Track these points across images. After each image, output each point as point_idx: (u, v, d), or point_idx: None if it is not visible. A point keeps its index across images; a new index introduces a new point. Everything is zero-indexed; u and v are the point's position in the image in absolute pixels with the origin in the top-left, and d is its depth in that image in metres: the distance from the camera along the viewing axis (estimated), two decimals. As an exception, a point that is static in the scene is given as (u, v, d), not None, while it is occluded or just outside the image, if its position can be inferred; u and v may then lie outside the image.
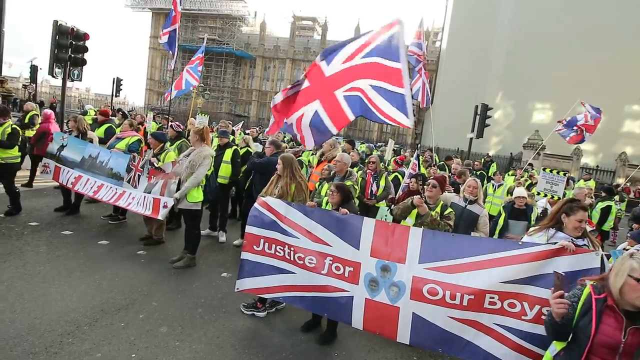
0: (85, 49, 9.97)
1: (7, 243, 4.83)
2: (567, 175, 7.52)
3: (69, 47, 9.49)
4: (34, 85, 22.71)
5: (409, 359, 3.56)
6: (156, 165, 5.27)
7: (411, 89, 7.50)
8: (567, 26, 31.78)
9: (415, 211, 3.89)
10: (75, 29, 9.58)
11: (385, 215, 6.04)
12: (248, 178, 5.96)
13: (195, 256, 5.00)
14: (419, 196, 3.85)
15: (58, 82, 10.39)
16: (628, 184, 13.19)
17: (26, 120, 8.03)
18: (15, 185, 6.04)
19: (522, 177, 9.83)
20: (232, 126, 10.85)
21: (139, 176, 5.44)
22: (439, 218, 3.81)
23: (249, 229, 3.73)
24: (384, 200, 6.07)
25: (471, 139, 15.29)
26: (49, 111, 7.81)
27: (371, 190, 6.00)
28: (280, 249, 3.59)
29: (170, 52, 9.80)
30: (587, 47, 31.17)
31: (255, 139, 8.33)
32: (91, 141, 6.40)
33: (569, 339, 1.96)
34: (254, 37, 57.40)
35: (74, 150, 6.16)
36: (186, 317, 3.72)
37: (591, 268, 2.62)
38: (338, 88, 3.39)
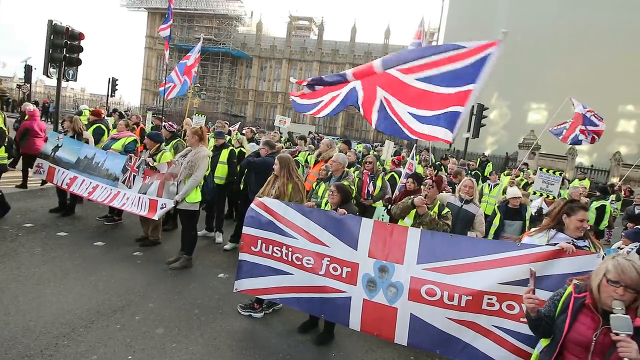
0: (81, 49, 9.90)
1: (2, 245, 4.79)
2: (562, 175, 7.57)
3: (63, 47, 9.42)
4: (29, 85, 22.51)
5: (407, 358, 3.56)
6: (152, 165, 5.25)
7: None
8: (562, 28, 31.98)
9: (414, 211, 3.91)
10: (70, 29, 9.51)
11: (382, 215, 6.05)
12: (242, 177, 5.96)
13: (191, 257, 4.98)
14: (420, 196, 3.86)
15: (53, 82, 10.31)
16: (619, 183, 13.29)
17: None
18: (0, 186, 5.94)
19: (517, 176, 9.87)
20: (229, 126, 10.83)
21: (134, 176, 5.41)
22: (437, 218, 3.83)
23: (246, 229, 3.72)
24: (380, 201, 6.08)
25: (467, 138, 15.36)
26: (32, 107, 7.79)
27: (368, 191, 6.00)
28: (277, 249, 3.58)
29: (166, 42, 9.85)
30: (582, 48, 31.38)
31: (250, 140, 8.31)
32: (87, 142, 6.37)
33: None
34: (250, 37, 57.31)
35: (69, 150, 6.12)
36: (183, 319, 3.70)
37: (591, 270, 2.62)
38: (382, 88, 3.54)
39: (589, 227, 3.15)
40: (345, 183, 4.20)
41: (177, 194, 4.79)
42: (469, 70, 3.13)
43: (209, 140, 6.13)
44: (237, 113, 55.12)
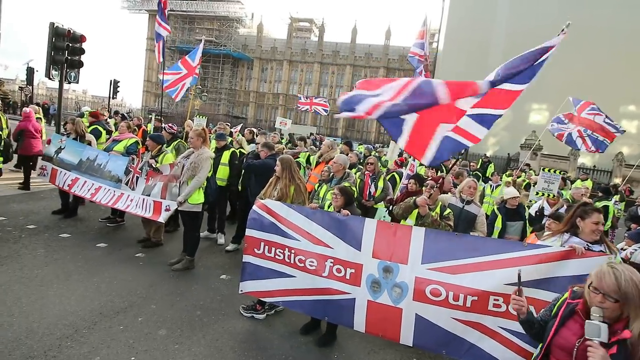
0: (82, 51, 9.95)
1: (5, 246, 4.80)
2: (562, 174, 7.54)
3: (65, 49, 9.47)
4: (31, 88, 22.60)
5: (409, 359, 3.56)
6: (154, 166, 5.26)
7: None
8: (562, 27, 31.97)
9: (416, 212, 3.91)
10: (72, 31, 9.56)
11: (384, 217, 6.05)
12: (239, 179, 5.97)
13: (194, 258, 4.99)
14: (423, 196, 3.85)
15: (55, 84, 10.38)
16: (623, 184, 13.25)
17: None
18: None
19: (518, 177, 9.87)
20: (230, 128, 10.84)
21: (137, 178, 5.43)
22: (439, 219, 3.83)
23: (249, 232, 3.72)
24: (382, 202, 6.08)
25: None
26: (27, 109, 7.87)
27: (369, 192, 6.01)
28: (280, 252, 3.57)
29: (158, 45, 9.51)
30: (582, 48, 31.31)
31: (250, 141, 8.32)
32: (89, 143, 6.40)
33: None
34: (251, 39, 57.42)
35: (71, 152, 6.14)
36: (185, 320, 3.71)
37: None
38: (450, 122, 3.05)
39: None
40: (346, 184, 4.21)
41: (179, 195, 4.81)
42: (530, 70, 2.99)
43: (210, 141, 6.14)
44: (239, 114, 55.20)
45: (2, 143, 6.03)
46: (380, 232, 3.19)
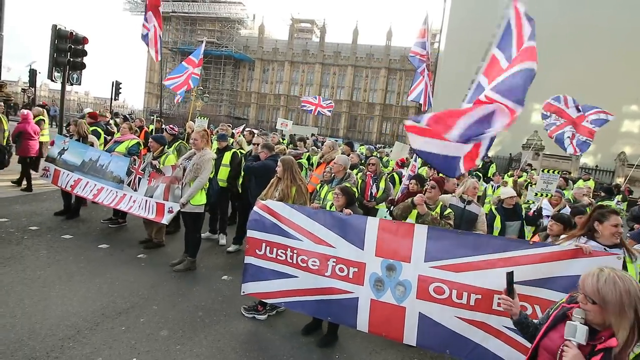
0: (85, 53, 9.99)
1: (7, 248, 4.83)
2: (560, 173, 7.51)
3: (68, 51, 9.51)
4: (33, 89, 22.69)
5: (411, 359, 3.56)
6: (158, 167, 5.28)
7: (411, 92, 7.50)
8: (564, 28, 31.87)
9: (415, 211, 3.91)
10: (74, 33, 9.61)
11: (385, 217, 6.05)
12: (235, 179, 6.00)
13: (195, 259, 5.00)
14: (420, 195, 3.86)
15: (57, 85, 10.42)
16: (625, 184, 13.19)
17: None
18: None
19: (519, 177, 9.86)
20: (232, 129, 10.86)
21: (139, 179, 5.44)
22: (439, 218, 3.83)
23: (250, 233, 3.72)
24: (383, 202, 6.07)
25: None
26: (26, 111, 7.96)
27: (371, 192, 6.01)
28: (282, 252, 3.58)
29: (147, 45, 9.08)
30: (584, 48, 31.27)
31: (250, 142, 8.33)
32: (92, 145, 6.42)
33: None
34: (252, 40, 57.49)
35: (74, 153, 6.17)
36: (187, 321, 3.71)
37: None
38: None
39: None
40: (347, 185, 4.21)
41: (182, 197, 4.82)
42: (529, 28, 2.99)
43: (212, 143, 6.16)
44: (240, 115, 55.27)
45: None
46: (383, 230, 3.18)
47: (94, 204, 6.50)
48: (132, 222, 6.28)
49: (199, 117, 11.56)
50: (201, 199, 4.88)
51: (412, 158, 6.36)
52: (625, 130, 33.35)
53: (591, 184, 12.50)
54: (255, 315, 3.91)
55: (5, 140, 7.24)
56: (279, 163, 4.00)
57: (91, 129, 7.35)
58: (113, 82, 24.35)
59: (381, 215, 6.19)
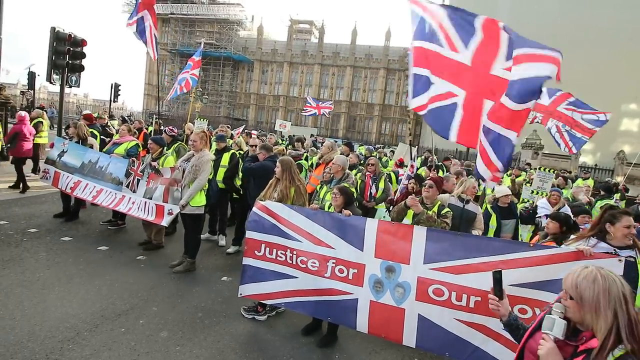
0: (83, 55, 10.01)
1: (6, 250, 4.82)
2: (555, 172, 7.52)
3: (66, 54, 9.54)
4: (32, 92, 22.67)
5: (411, 359, 3.56)
6: (157, 168, 5.28)
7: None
8: (563, 27, 31.96)
9: (411, 212, 3.92)
10: (72, 36, 9.63)
11: (383, 217, 6.05)
12: (232, 179, 6.01)
13: (195, 260, 5.00)
14: (412, 196, 3.87)
15: (56, 88, 10.43)
16: (623, 183, 13.19)
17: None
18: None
19: (517, 176, 9.90)
20: (231, 130, 10.86)
21: (138, 180, 5.45)
22: (435, 217, 3.83)
23: (249, 234, 3.72)
24: (382, 203, 6.08)
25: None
26: (23, 113, 8.02)
27: (370, 193, 6.01)
28: (281, 253, 3.57)
29: (142, 41, 8.89)
30: (583, 47, 31.32)
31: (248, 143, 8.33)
32: (91, 147, 6.43)
33: None
34: (251, 41, 57.49)
35: (74, 155, 6.18)
36: (186, 322, 3.71)
37: None
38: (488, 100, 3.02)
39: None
40: (346, 185, 4.22)
41: (181, 199, 4.82)
42: (532, 83, 2.78)
43: (211, 144, 6.17)
44: (239, 117, 55.26)
45: None
46: (382, 232, 3.17)
47: (93, 205, 6.50)
48: (131, 223, 6.28)
49: (198, 119, 11.57)
50: (201, 200, 4.88)
51: (412, 160, 6.36)
52: (625, 128, 33.42)
53: (590, 182, 12.51)
54: (255, 316, 3.91)
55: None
56: (277, 164, 4.01)
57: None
58: (112, 84, 24.34)
59: (380, 215, 6.20)
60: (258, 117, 57.14)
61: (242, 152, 6.71)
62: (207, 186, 4.97)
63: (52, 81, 9.69)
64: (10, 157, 7.87)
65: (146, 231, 5.61)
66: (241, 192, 6.09)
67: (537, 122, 8.79)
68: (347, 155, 6.58)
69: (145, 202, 5.25)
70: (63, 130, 10.32)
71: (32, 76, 22.10)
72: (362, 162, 8.37)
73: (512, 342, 2.68)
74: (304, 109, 19.52)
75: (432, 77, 3.34)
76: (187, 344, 3.36)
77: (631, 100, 32.18)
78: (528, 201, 6.88)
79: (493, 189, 7.85)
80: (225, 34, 55.25)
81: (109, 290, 4.13)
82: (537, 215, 5.26)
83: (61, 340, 3.16)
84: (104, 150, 6.38)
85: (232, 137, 8.95)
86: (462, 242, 2.95)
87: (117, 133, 8.16)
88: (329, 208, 3.95)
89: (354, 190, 5.11)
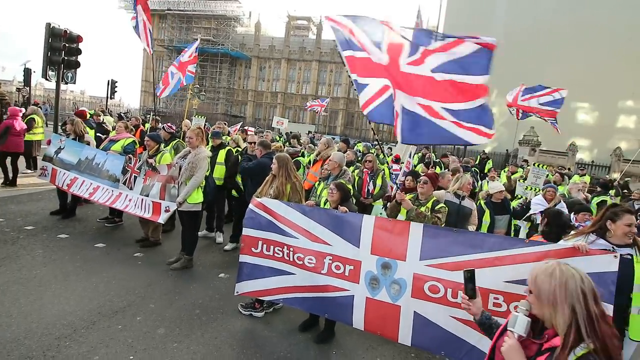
0: (79, 52, 9.94)
1: (3, 247, 4.81)
2: (561, 169, 7.59)
3: (62, 50, 9.46)
4: (28, 89, 22.53)
5: (407, 355, 3.57)
6: (154, 165, 5.27)
7: None
8: (561, 25, 31.96)
9: (404, 209, 3.94)
10: (68, 32, 9.56)
11: (380, 213, 6.07)
12: (231, 178, 6.01)
13: (192, 257, 5.00)
14: (399, 192, 3.91)
15: (52, 85, 10.36)
16: (618, 179, 13.27)
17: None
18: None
19: (513, 173, 9.95)
20: (228, 127, 10.84)
21: (135, 177, 5.43)
22: (429, 213, 3.85)
23: (246, 231, 3.72)
24: (380, 199, 6.10)
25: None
26: (16, 108, 8.00)
27: (368, 189, 6.02)
28: (279, 250, 3.58)
29: (139, 36, 8.84)
30: (580, 44, 31.36)
31: (245, 140, 8.31)
32: (88, 144, 6.41)
33: None
34: (249, 38, 57.25)
35: (71, 152, 6.16)
36: (184, 319, 3.72)
37: (606, 272, 2.46)
38: (402, 92, 3.38)
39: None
40: (342, 181, 4.22)
41: (178, 196, 4.81)
42: (473, 60, 3.08)
43: (208, 141, 6.15)
44: (237, 113, 55.11)
45: None
46: (379, 228, 3.17)
47: (86, 202, 6.48)
48: (129, 220, 6.27)
49: (195, 116, 11.55)
50: (198, 197, 4.87)
51: (410, 157, 6.37)
52: (621, 125, 33.49)
53: (587, 179, 12.56)
54: (252, 313, 3.92)
55: None
56: (274, 160, 4.00)
57: None
58: (109, 81, 24.22)
59: (376, 211, 6.21)
60: (256, 114, 57.01)
61: (240, 150, 6.70)
62: (204, 183, 4.96)
63: (47, 78, 9.62)
64: None
65: (143, 228, 5.61)
66: (242, 189, 6.08)
67: (512, 114, 9.46)
68: (344, 152, 6.58)
69: (142, 200, 5.24)
70: (59, 127, 10.27)
71: (28, 73, 21.99)
72: (360, 159, 8.39)
73: None
74: (312, 108, 20.85)
75: (363, 79, 3.74)
76: (184, 340, 3.37)
77: (628, 97, 32.23)
78: (522, 197, 6.92)
79: (488, 182, 7.89)
80: (223, 30, 55.01)
81: (106, 287, 4.13)
82: (532, 212, 5.28)
83: (58, 338, 3.16)
84: (101, 147, 6.35)
85: (229, 133, 8.94)
86: (459, 239, 2.94)
87: (113, 130, 8.12)
88: (324, 204, 3.95)
89: (350, 186, 5.12)
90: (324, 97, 37.60)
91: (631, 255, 2.76)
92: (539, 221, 4.74)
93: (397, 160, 8.29)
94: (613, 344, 1.31)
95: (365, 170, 6.15)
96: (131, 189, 5.43)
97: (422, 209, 3.85)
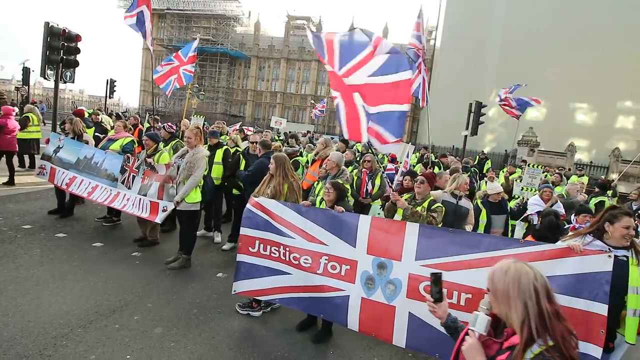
0: (78, 51, 9.91)
1: (0, 246, 4.80)
2: (560, 169, 7.62)
3: (60, 49, 9.43)
4: (27, 88, 22.48)
5: (404, 355, 3.57)
6: (152, 164, 5.26)
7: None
8: (560, 25, 32.02)
9: (401, 209, 3.95)
10: (67, 31, 9.52)
11: (378, 213, 6.07)
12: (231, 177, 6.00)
13: (190, 257, 5.00)
14: (393, 192, 3.92)
15: (51, 84, 10.32)
16: (616, 180, 13.29)
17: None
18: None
19: (511, 173, 9.99)
20: (227, 126, 10.82)
21: (133, 177, 5.43)
22: (425, 212, 3.85)
23: (243, 230, 3.72)
24: (379, 199, 6.10)
25: (466, 136, 15.36)
26: (10, 107, 8.00)
27: (366, 189, 6.03)
28: (275, 249, 3.58)
29: (141, 33, 8.95)
30: (580, 45, 31.44)
31: (244, 139, 8.32)
32: (87, 143, 6.40)
33: None
34: (248, 37, 57.17)
35: (69, 151, 6.15)
36: (181, 318, 3.71)
37: (600, 272, 2.47)
38: (359, 97, 3.60)
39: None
40: (340, 181, 4.23)
41: (176, 195, 4.80)
42: (394, 59, 3.41)
43: (206, 140, 6.15)
44: (236, 113, 55.07)
45: None
46: (375, 228, 3.18)
47: (83, 203, 6.47)
48: (127, 220, 6.26)
49: (194, 115, 11.53)
50: (196, 196, 4.87)
51: (407, 157, 6.39)
52: (620, 126, 33.57)
53: (585, 179, 12.58)
54: (250, 312, 3.92)
55: None
56: (271, 160, 4.00)
57: None
58: (108, 80, 24.20)
59: (374, 211, 6.21)
60: (255, 113, 56.95)
61: (239, 149, 6.70)
62: (202, 182, 4.96)
63: (46, 77, 9.58)
64: None
65: (141, 228, 5.60)
66: (242, 189, 6.07)
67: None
68: (343, 152, 6.59)
69: (140, 199, 5.23)
70: (58, 126, 10.25)
71: (26, 72, 21.92)
72: (358, 159, 8.38)
73: None
74: (321, 109, 21.95)
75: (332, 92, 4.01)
76: (181, 340, 3.36)
77: (626, 97, 32.32)
78: (519, 197, 6.94)
79: (486, 182, 7.90)
80: (222, 29, 54.92)
81: (104, 286, 4.13)
82: (529, 213, 5.29)
83: (55, 337, 3.16)
84: (99, 146, 6.34)
85: (227, 133, 8.92)
86: (455, 239, 2.94)
87: (112, 129, 8.12)
88: (320, 203, 3.95)
89: (347, 186, 5.13)
90: (323, 97, 37.74)
91: (627, 257, 2.76)
92: (535, 222, 4.75)
93: (392, 159, 8.30)
94: (566, 341, 1.30)
95: (364, 170, 6.16)
96: (129, 188, 5.42)
97: (418, 208, 3.86)
